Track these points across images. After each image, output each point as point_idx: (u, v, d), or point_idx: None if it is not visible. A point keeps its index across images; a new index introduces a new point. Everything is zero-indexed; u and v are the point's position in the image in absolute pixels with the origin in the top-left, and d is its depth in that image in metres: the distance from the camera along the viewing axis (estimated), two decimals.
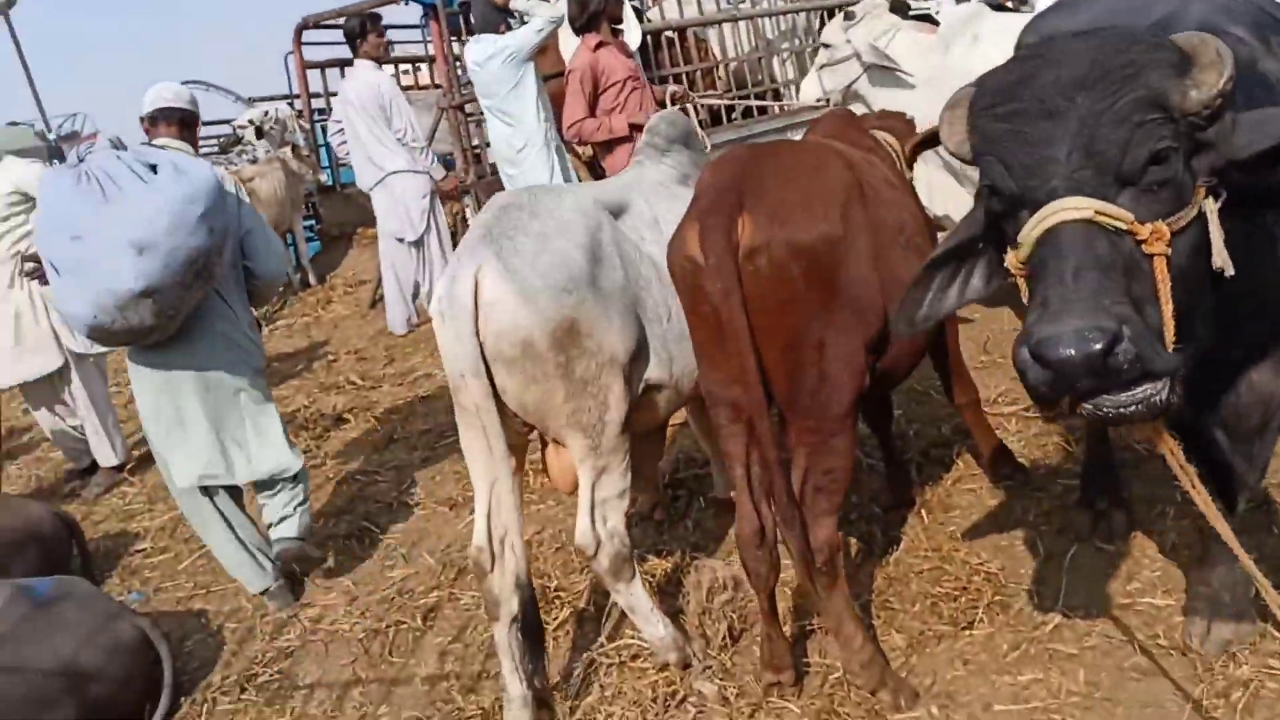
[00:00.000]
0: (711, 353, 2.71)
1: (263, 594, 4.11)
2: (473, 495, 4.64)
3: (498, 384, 2.82)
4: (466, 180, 7.23)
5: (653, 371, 3.10)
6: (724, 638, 3.29)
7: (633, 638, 3.38)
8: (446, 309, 2.79)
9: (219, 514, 4.00)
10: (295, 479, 4.11)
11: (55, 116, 15.87)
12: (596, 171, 6.19)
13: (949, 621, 3.18)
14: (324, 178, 9.91)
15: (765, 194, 2.59)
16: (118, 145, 3.67)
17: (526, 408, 2.89)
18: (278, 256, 4.11)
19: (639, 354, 3.01)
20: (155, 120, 4.00)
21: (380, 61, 7.11)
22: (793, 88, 8.43)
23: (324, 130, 9.58)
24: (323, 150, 9.87)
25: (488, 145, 9.25)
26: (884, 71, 4.69)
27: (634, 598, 3.14)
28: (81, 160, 3.54)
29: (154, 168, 3.52)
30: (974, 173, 4.32)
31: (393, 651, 3.70)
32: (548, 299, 2.77)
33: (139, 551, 4.84)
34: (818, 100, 4.96)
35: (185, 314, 3.66)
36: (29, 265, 5.18)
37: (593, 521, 3.00)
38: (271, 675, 3.70)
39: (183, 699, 3.62)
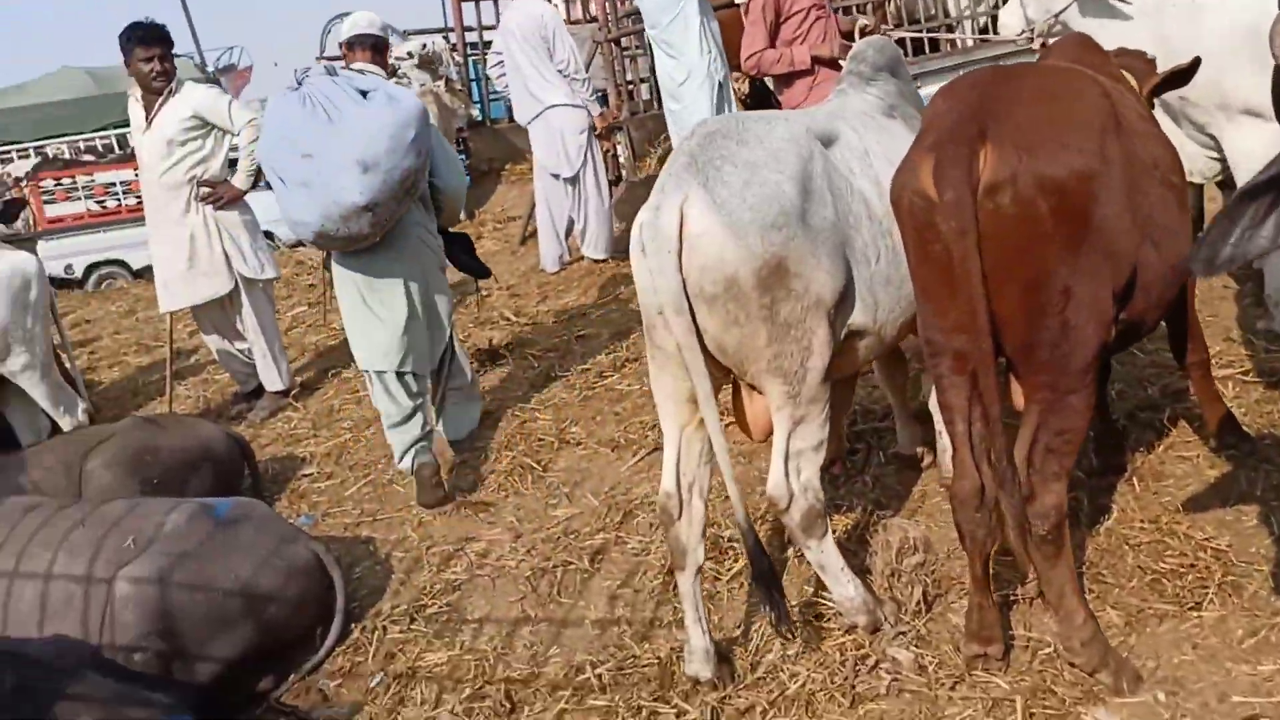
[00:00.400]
0: (938, 297, 2.49)
1: (414, 473, 4.42)
2: (635, 438, 4.65)
3: (698, 322, 2.66)
4: (620, 117, 7.06)
5: (857, 317, 2.89)
6: (918, 603, 3.10)
7: (818, 596, 3.21)
8: (648, 241, 2.63)
9: (394, 392, 4.40)
10: (463, 374, 4.66)
11: (211, 50, 16.38)
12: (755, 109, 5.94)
13: (1173, 600, 2.90)
14: (475, 112, 9.87)
15: (1011, 122, 2.34)
16: (331, 71, 4.05)
17: (725, 350, 2.72)
18: (458, 173, 4.49)
19: (845, 297, 2.81)
20: (353, 45, 4.46)
21: None
22: (965, 24, 7.97)
23: (476, 65, 9.57)
24: (474, 85, 9.83)
25: (642, 80, 9.14)
26: (1098, 1, 4.29)
27: (825, 555, 2.97)
28: (300, 84, 3.94)
29: (364, 94, 3.91)
30: (1200, 115, 3.88)
31: (561, 592, 3.62)
32: (756, 235, 2.59)
33: (306, 476, 4.90)
34: (1020, 34, 4.59)
35: (393, 224, 4.10)
36: (204, 190, 5.29)
37: (786, 473, 2.83)
38: (440, 607, 3.67)
39: (353, 625, 3.63)
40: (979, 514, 2.60)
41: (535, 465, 4.53)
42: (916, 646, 2.94)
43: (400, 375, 4.38)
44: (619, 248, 7.22)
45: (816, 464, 2.88)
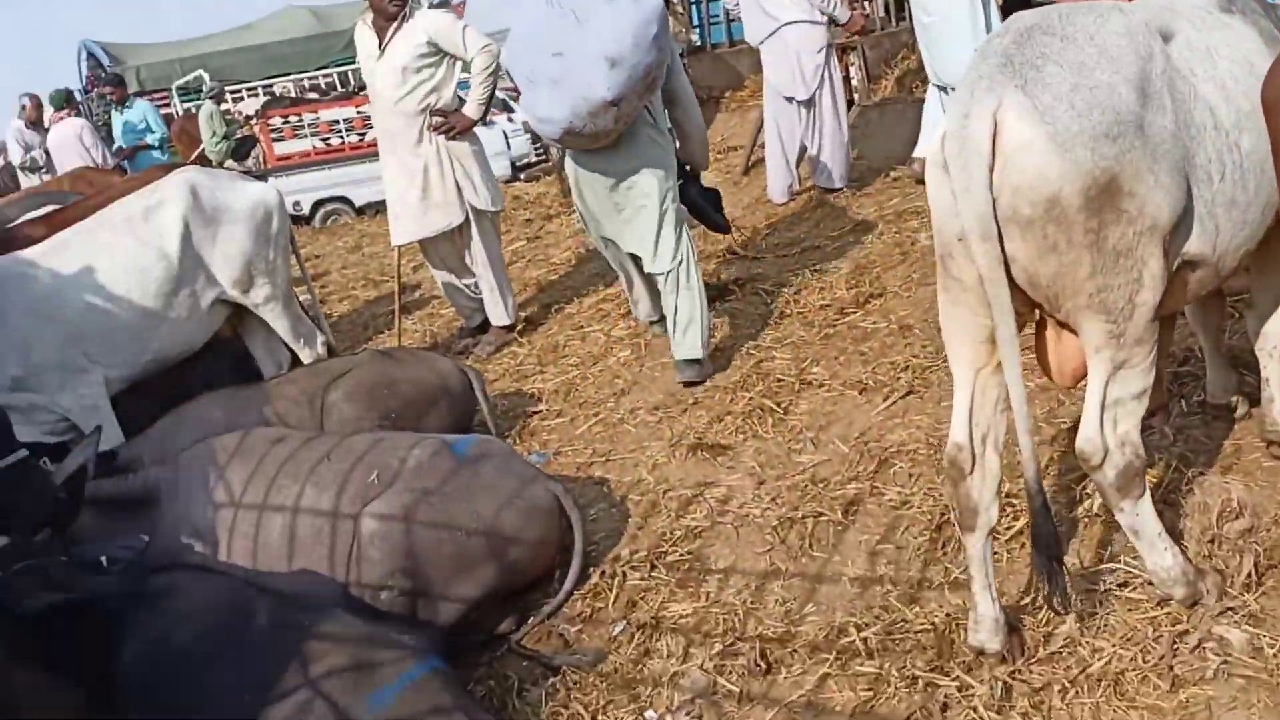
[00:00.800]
0: None
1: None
2: (885, 380, 4.27)
3: (1006, 250, 2.28)
4: (865, 24, 6.53)
5: (1193, 244, 2.44)
6: (1248, 575, 2.65)
7: (1122, 561, 2.81)
8: (954, 155, 2.26)
9: (628, 266, 4.83)
10: (687, 285, 4.56)
11: None
12: None
13: None
14: (695, 37, 9.53)
15: None
16: None
17: (1037, 282, 2.33)
18: (678, 74, 4.72)
19: (1183, 221, 2.37)
20: None
21: None
22: None
23: None
24: (694, 9, 9.46)
25: None
26: None
27: (1140, 518, 2.56)
28: None
29: None
30: None
31: (813, 544, 3.34)
32: (1085, 147, 2.18)
33: (535, 413, 4.79)
34: None
35: (632, 121, 4.29)
36: (437, 120, 5.21)
37: (1102, 424, 2.44)
38: (681, 555, 3.46)
39: (591, 569, 3.47)
40: None
41: (775, 407, 4.23)
42: (1249, 625, 2.51)
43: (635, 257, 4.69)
44: (853, 177, 6.78)
45: (1138, 415, 2.47)
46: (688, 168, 4.92)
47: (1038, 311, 2.50)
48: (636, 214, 4.50)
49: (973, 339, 2.47)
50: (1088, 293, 2.29)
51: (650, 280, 4.82)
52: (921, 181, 6.47)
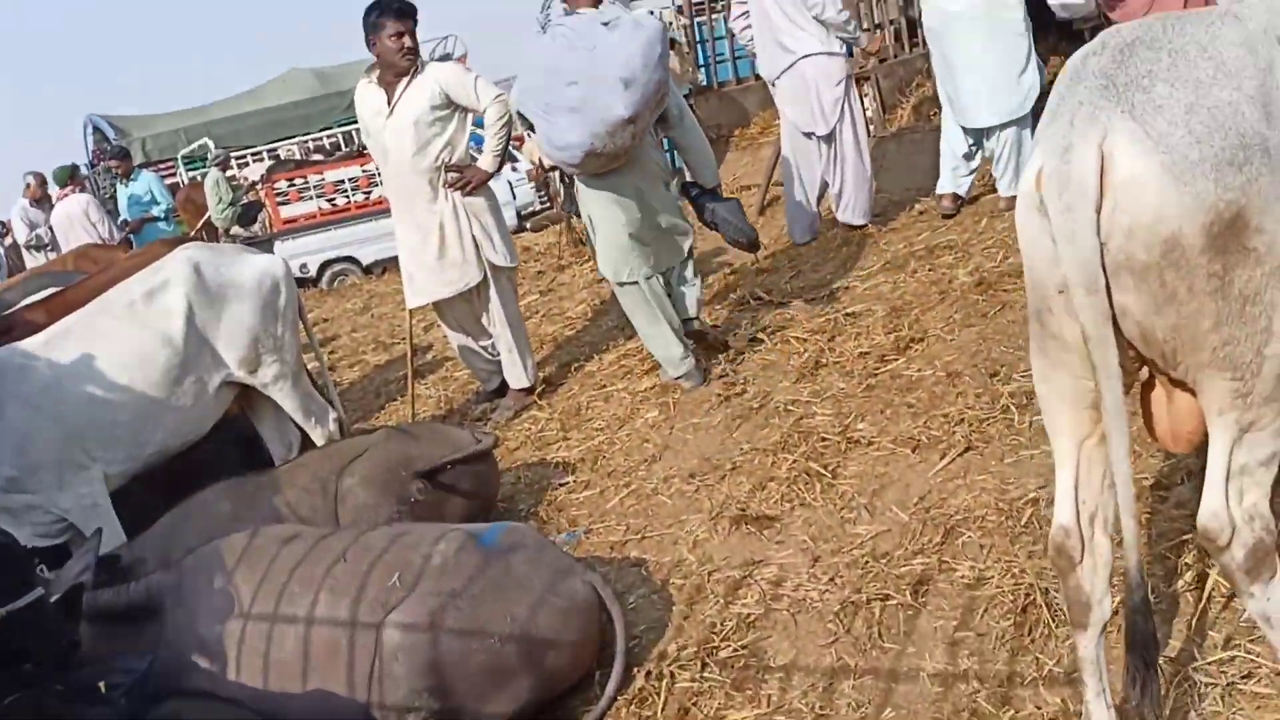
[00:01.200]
0: None
1: (679, 378, 4.93)
2: (939, 435, 3.92)
3: (1115, 302, 1.97)
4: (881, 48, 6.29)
5: None
6: None
7: (1242, 648, 2.47)
8: (1053, 195, 1.95)
9: (649, 298, 4.87)
10: (685, 260, 5.00)
11: (427, 41, 16.49)
12: None
13: None
14: (700, 76, 9.31)
15: None
16: (569, 12, 4.54)
17: (1152, 337, 2.02)
18: (672, 93, 4.83)
19: None
20: None
21: None
22: None
23: (701, 27, 9.01)
24: (700, 48, 9.25)
25: (890, 23, 8.30)
26: None
27: (1272, 603, 2.21)
28: (544, 27, 4.48)
29: (605, 24, 4.37)
30: None
31: (882, 634, 3.00)
32: (1209, 177, 1.87)
33: (562, 485, 4.47)
34: None
35: (643, 137, 4.59)
36: (453, 175, 4.98)
37: (1227, 497, 2.10)
38: (734, 650, 3.12)
39: (635, 669, 3.14)
40: None
41: (822, 471, 3.91)
42: None
43: (649, 280, 4.85)
44: (875, 211, 6.49)
45: (1267, 484, 2.13)
46: (701, 185, 5.01)
47: (1145, 370, 2.19)
48: (671, 213, 4.90)
49: (1075, 405, 2.15)
50: (1211, 347, 1.98)
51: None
52: (949, 216, 6.23)
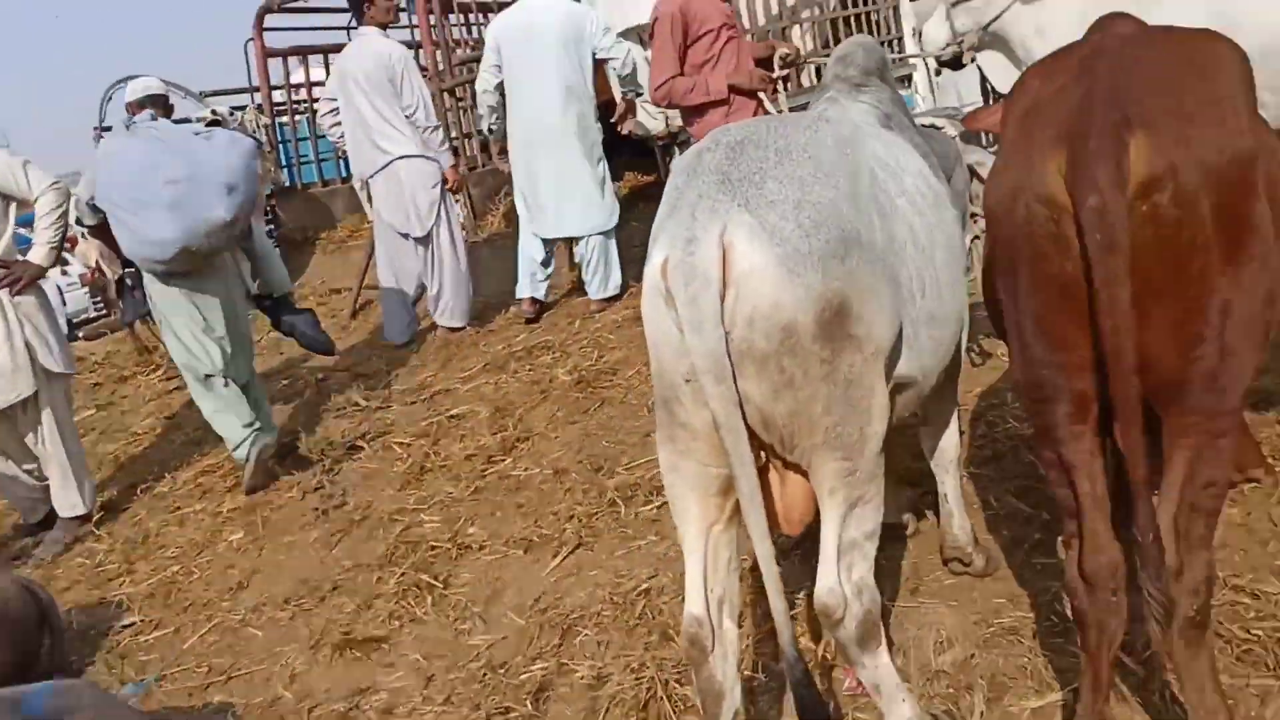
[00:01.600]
0: (1058, 328, 1.92)
1: (255, 458, 4.68)
2: (550, 533, 3.83)
3: (739, 388, 1.98)
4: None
5: (904, 365, 2.30)
6: (981, 714, 2.47)
7: (855, 714, 2.55)
8: (679, 286, 1.94)
9: (217, 389, 4.74)
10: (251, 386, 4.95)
11: None
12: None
13: (1275, 673, 2.41)
14: (283, 177, 8.87)
15: (1162, 101, 1.82)
16: (154, 118, 4.72)
17: (772, 422, 2.05)
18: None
19: (897, 343, 2.21)
20: (143, 104, 5.06)
21: (387, 28, 6.12)
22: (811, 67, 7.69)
23: (283, 127, 8.61)
24: (282, 148, 8.83)
25: (479, 133, 8.41)
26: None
27: (880, 671, 2.30)
28: (129, 128, 4.61)
29: (198, 134, 4.57)
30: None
31: None
32: (817, 268, 1.95)
33: (126, 628, 3.82)
34: (944, 46, 4.18)
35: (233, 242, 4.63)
36: (1, 273, 4.26)
37: (839, 573, 2.16)
38: None
39: None
40: (1116, 598, 2.02)
41: (433, 581, 3.65)
42: None
43: (224, 375, 4.75)
44: (473, 314, 6.43)
45: (870, 558, 2.23)
46: (273, 294, 5.03)
47: (762, 454, 2.21)
48: (245, 327, 4.88)
49: (703, 491, 2.14)
50: (824, 428, 2.04)
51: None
52: (532, 320, 6.30)
